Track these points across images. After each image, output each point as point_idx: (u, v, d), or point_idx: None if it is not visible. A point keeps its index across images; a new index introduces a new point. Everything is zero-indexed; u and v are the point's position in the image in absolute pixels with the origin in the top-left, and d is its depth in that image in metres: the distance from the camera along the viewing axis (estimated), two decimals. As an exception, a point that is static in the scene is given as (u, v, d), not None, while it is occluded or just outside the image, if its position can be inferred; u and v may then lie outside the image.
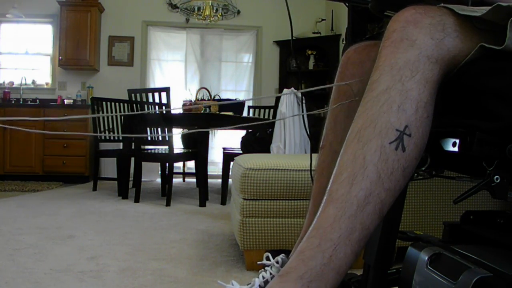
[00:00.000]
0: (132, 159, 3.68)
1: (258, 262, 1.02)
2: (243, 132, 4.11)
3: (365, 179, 0.61)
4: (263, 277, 0.93)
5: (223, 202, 3.42)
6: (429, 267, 0.71)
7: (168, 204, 3.27)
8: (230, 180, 3.42)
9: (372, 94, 0.64)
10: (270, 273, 0.93)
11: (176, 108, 4.43)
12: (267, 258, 0.97)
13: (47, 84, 5.47)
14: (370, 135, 0.62)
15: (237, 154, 3.10)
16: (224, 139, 5.35)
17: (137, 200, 3.40)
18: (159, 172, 4.50)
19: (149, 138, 3.48)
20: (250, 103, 5.67)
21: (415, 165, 0.64)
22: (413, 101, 0.62)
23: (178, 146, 4.44)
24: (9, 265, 1.66)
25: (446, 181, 1.68)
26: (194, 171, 4.71)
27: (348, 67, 0.94)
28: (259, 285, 0.92)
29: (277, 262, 0.94)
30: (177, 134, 4.06)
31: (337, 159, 0.93)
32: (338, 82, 0.95)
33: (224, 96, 5.16)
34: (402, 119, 0.61)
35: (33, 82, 5.42)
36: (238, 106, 4.19)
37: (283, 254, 0.95)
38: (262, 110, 4.69)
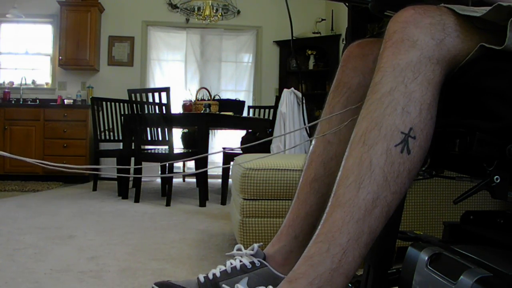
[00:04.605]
0: (132, 159, 3.68)
1: (226, 254, 0.99)
2: (243, 132, 4.11)
3: (372, 182, 0.61)
4: (231, 264, 0.90)
5: (223, 202, 3.42)
6: (429, 267, 0.71)
7: (168, 204, 3.27)
8: (230, 180, 3.42)
9: (376, 96, 0.64)
10: (240, 261, 0.90)
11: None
12: (239, 250, 0.94)
13: (47, 84, 5.47)
14: (376, 138, 0.62)
15: (237, 154, 3.10)
16: (224, 139, 5.35)
17: (137, 200, 3.40)
18: (159, 172, 4.50)
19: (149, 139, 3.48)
20: (250, 102, 5.68)
21: (419, 168, 0.64)
22: (417, 103, 0.62)
23: (178, 146, 4.43)
24: (9, 265, 1.66)
25: (446, 181, 1.68)
26: (194, 171, 4.71)
27: (350, 60, 0.92)
28: (226, 270, 0.89)
29: (252, 249, 0.91)
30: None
31: (328, 148, 0.92)
32: (339, 76, 0.94)
33: (224, 96, 5.16)
34: (407, 122, 0.61)
35: (33, 82, 5.42)
36: (238, 106, 4.19)
37: (258, 244, 0.92)
38: (262, 110, 4.69)
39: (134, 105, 3.45)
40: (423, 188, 1.69)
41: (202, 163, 3.45)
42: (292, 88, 3.28)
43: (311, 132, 1.02)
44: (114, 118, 4.20)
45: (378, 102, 0.63)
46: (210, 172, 3.77)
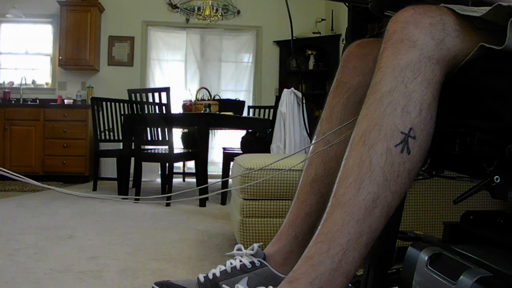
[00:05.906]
0: (132, 159, 3.68)
1: (226, 254, 1.00)
2: (243, 132, 4.11)
3: (372, 182, 0.61)
4: (231, 264, 0.90)
5: (223, 202, 3.42)
6: (429, 267, 0.71)
7: (168, 204, 3.27)
8: (230, 180, 3.42)
9: (376, 96, 0.64)
10: (240, 261, 0.90)
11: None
12: (239, 250, 0.94)
13: (47, 84, 5.47)
14: (376, 138, 0.62)
15: (237, 154, 3.10)
16: (224, 139, 5.35)
17: (137, 200, 3.40)
18: (159, 172, 4.50)
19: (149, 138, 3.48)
20: (250, 102, 5.68)
21: (419, 168, 0.64)
22: (417, 103, 0.62)
23: (178, 146, 4.43)
24: (9, 265, 1.66)
25: (446, 181, 1.67)
26: (194, 171, 4.71)
27: (350, 60, 0.92)
28: (226, 270, 0.90)
29: (252, 249, 0.91)
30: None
31: (328, 148, 0.92)
32: (339, 76, 0.94)
33: (224, 96, 5.16)
34: (407, 122, 0.61)
35: (33, 82, 5.42)
36: (238, 106, 4.19)
37: (258, 244, 0.92)
38: (262, 110, 4.69)
39: (134, 105, 3.45)
40: (423, 188, 1.69)
41: (202, 164, 3.45)
42: (292, 88, 3.27)
43: (311, 132, 1.02)
44: (114, 118, 4.20)
45: (378, 102, 0.63)
46: (210, 172, 3.77)
